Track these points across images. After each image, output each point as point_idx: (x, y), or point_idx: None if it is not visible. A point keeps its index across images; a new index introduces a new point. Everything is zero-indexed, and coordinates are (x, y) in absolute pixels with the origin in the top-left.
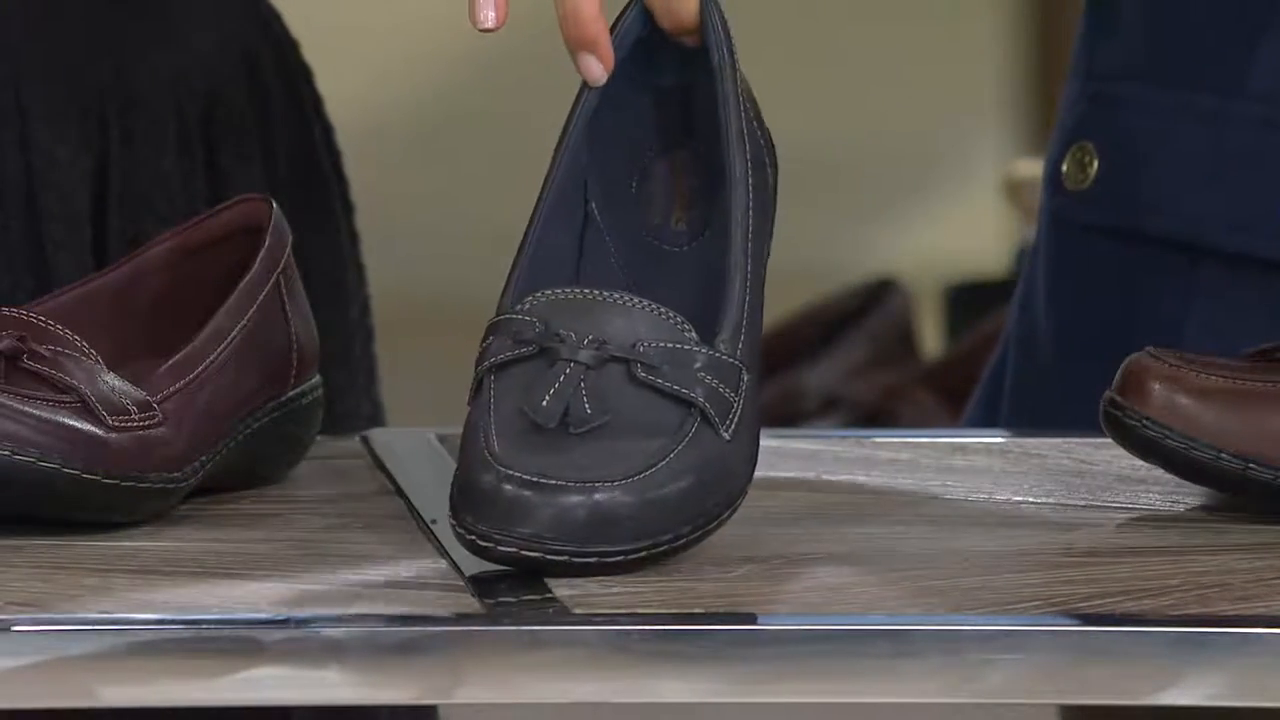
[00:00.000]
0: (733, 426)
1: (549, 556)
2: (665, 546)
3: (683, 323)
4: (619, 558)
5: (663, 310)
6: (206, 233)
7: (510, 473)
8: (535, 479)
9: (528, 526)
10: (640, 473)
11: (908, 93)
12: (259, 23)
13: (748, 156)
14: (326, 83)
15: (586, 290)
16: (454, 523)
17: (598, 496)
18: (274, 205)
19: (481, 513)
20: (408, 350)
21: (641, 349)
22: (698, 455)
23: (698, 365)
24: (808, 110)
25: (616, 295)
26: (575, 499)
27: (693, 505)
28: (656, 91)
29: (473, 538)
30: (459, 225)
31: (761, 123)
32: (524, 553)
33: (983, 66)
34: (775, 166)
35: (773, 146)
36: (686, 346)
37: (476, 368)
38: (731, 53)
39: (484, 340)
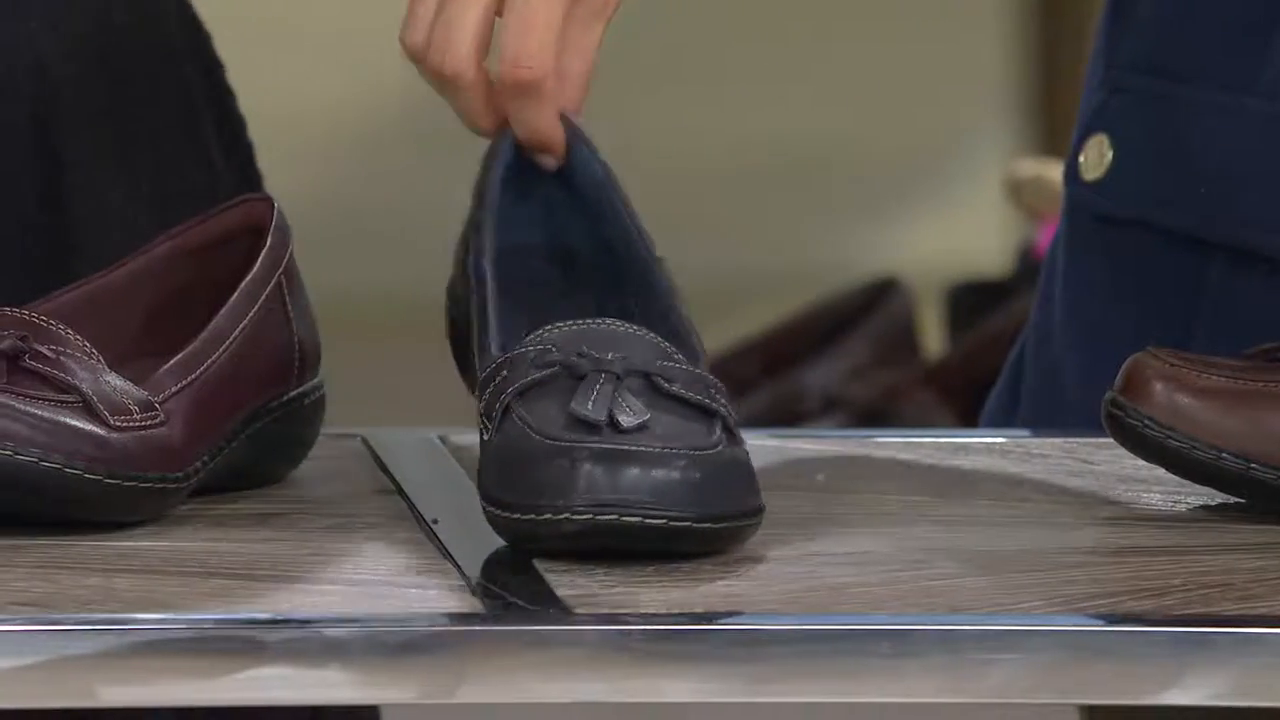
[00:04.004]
0: (737, 440)
1: (648, 520)
2: (749, 522)
3: (669, 347)
4: (732, 522)
5: (652, 335)
6: (208, 233)
7: (590, 446)
8: (625, 448)
9: (630, 491)
10: (712, 448)
11: (910, 93)
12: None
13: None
14: (330, 87)
15: (584, 320)
16: (517, 515)
17: (685, 464)
18: (275, 205)
19: (560, 490)
20: (409, 352)
21: (659, 365)
22: (725, 461)
23: (707, 382)
24: (810, 110)
25: (612, 322)
26: (675, 464)
27: (744, 499)
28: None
29: (553, 516)
30: (457, 228)
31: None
32: (624, 518)
33: (986, 67)
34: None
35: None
36: (686, 366)
37: (492, 403)
38: (605, 164)
39: (494, 378)
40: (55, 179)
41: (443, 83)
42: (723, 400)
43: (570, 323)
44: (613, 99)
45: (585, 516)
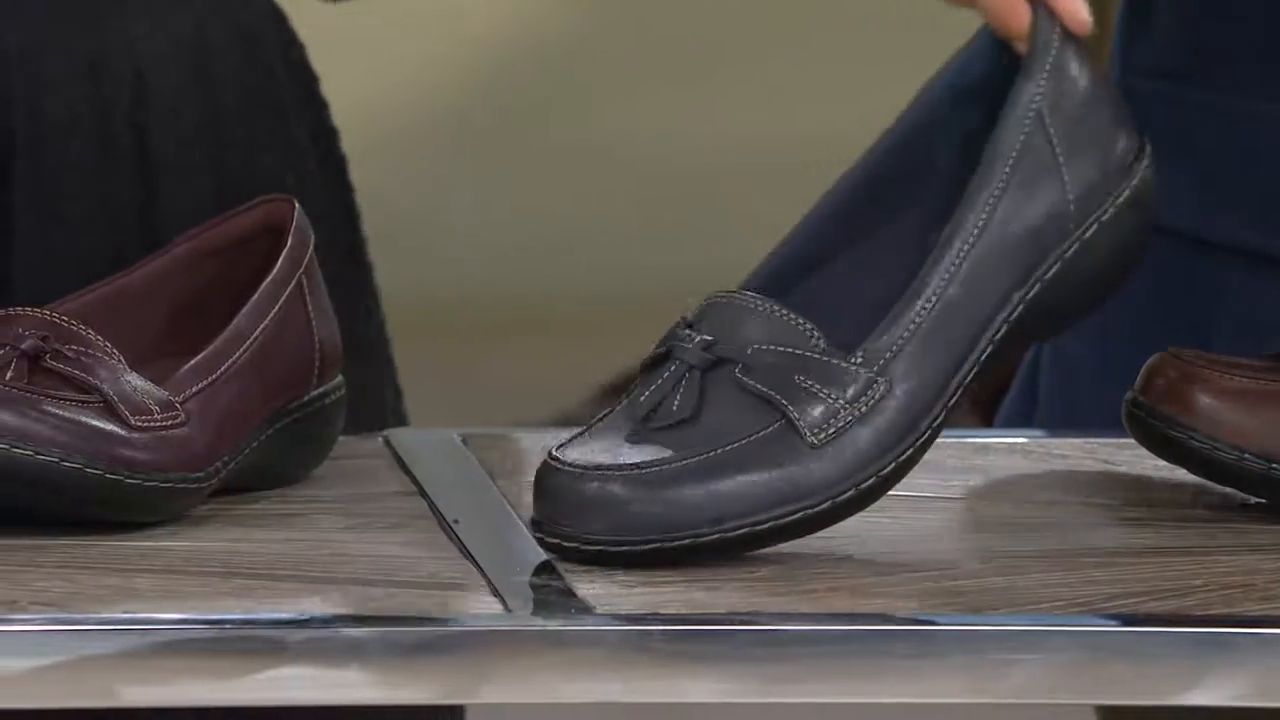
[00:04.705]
0: (826, 434)
1: (550, 539)
2: (674, 543)
3: (813, 331)
4: (620, 548)
5: (793, 316)
6: (229, 233)
7: (554, 461)
8: (565, 466)
9: (547, 511)
10: (653, 466)
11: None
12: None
13: (1004, 173)
14: (347, 86)
15: (737, 292)
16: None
17: (597, 484)
18: (296, 206)
19: (537, 503)
20: (431, 352)
21: (751, 351)
22: (749, 457)
23: (800, 371)
24: (814, 110)
25: (753, 298)
26: (586, 485)
27: (717, 508)
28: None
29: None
30: (480, 229)
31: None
32: (544, 537)
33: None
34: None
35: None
36: (800, 351)
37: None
38: (1046, 68)
39: None
40: (151, 184)
41: None
42: (815, 387)
43: (725, 293)
44: (630, 94)
45: (543, 535)
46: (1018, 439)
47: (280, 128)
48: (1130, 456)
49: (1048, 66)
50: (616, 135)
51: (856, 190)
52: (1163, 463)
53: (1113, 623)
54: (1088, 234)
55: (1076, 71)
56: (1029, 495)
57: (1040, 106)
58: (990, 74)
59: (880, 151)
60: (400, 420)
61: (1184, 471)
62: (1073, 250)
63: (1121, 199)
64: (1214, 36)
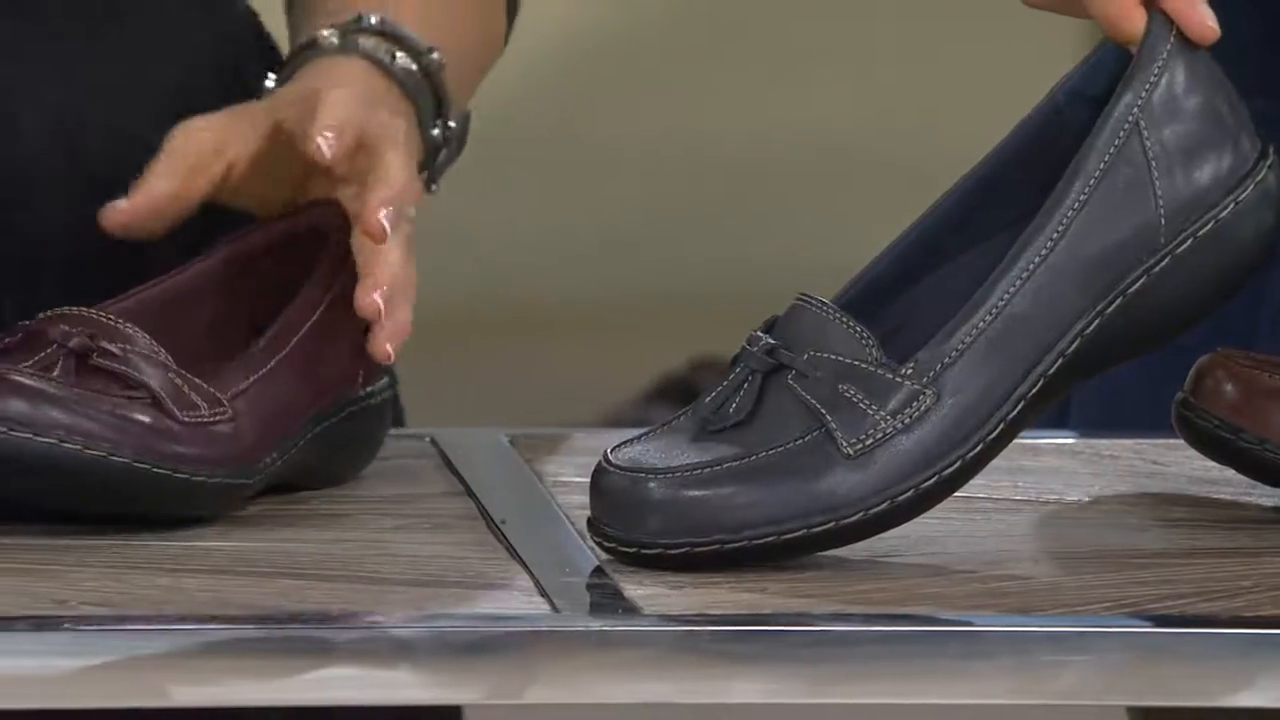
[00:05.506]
0: (864, 445)
1: (600, 540)
2: (701, 548)
3: (869, 339)
4: (653, 550)
5: (852, 324)
6: (274, 237)
7: (605, 462)
8: (611, 467)
9: (597, 511)
10: (696, 469)
11: (929, 94)
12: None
13: (1088, 186)
14: None
15: (812, 298)
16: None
17: (636, 485)
18: (340, 208)
19: (592, 503)
20: (478, 352)
21: (807, 357)
22: (784, 464)
23: (847, 380)
24: (820, 111)
25: (822, 304)
26: (628, 486)
27: (742, 514)
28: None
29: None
30: (527, 230)
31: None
32: (597, 538)
33: (1009, 71)
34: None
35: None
36: (852, 361)
37: None
38: (1148, 82)
39: None
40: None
41: None
42: (856, 396)
43: (801, 298)
44: (680, 92)
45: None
46: (1066, 439)
47: None
48: (1179, 457)
49: (1152, 76)
50: (662, 135)
51: (947, 215)
52: (1211, 463)
53: (1162, 624)
54: (1180, 249)
55: (1187, 80)
56: (1077, 496)
57: (1138, 118)
58: (1111, 84)
59: (969, 181)
60: (396, 410)
61: (1233, 472)
62: (1161, 265)
63: (1226, 212)
64: (1238, 42)
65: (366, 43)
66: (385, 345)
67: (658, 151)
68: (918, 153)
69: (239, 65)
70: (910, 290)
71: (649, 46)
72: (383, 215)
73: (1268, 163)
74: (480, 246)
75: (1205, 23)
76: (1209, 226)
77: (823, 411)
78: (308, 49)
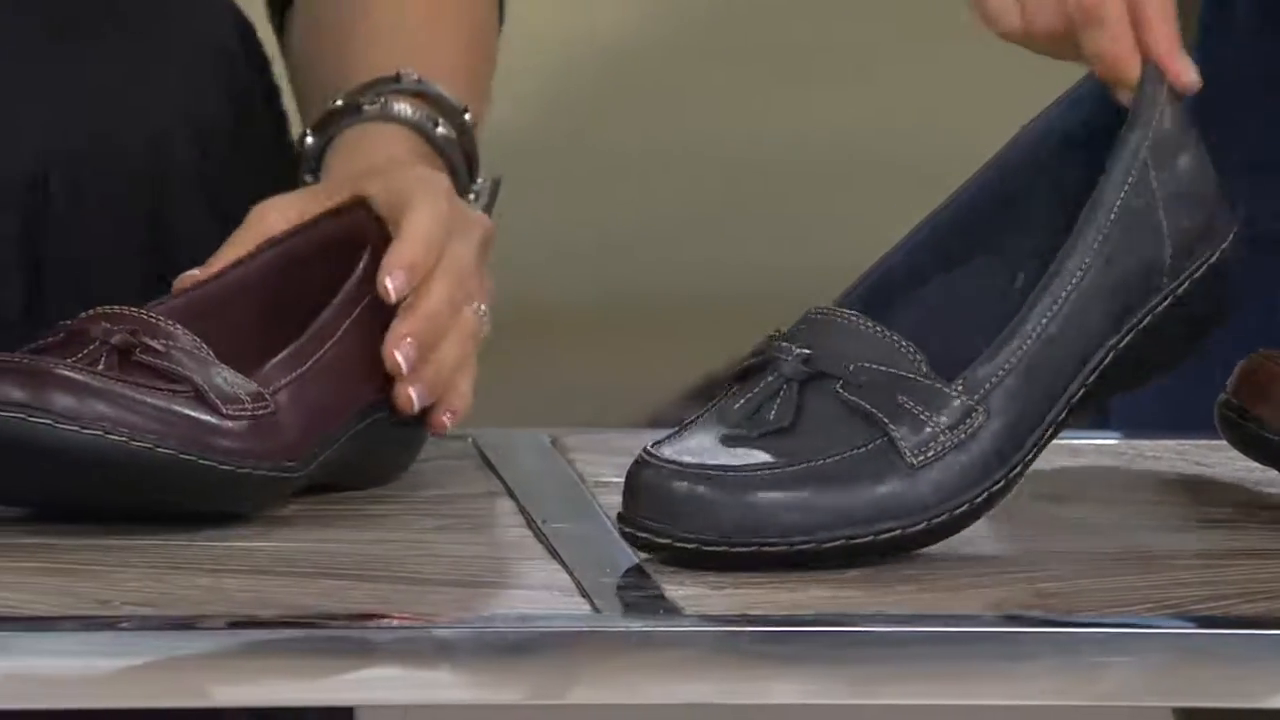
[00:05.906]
0: (926, 457)
1: (639, 534)
2: (767, 548)
3: (916, 353)
4: (713, 548)
5: (896, 338)
6: (311, 240)
7: (648, 457)
8: (659, 462)
9: (637, 507)
10: (748, 470)
11: (932, 96)
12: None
13: (1110, 218)
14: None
15: (836, 310)
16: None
17: (688, 483)
18: (377, 211)
19: (627, 499)
20: (520, 353)
21: (852, 368)
22: (850, 471)
23: (904, 391)
24: (824, 111)
25: (854, 317)
26: (678, 483)
27: (813, 517)
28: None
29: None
30: (566, 231)
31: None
32: (628, 529)
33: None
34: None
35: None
36: (903, 373)
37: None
38: (1149, 125)
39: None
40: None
41: (1085, 18)
42: (915, 408)
43: (824, 310)
44: (717, 94)
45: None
46: (1108, 440)
47: (268, 168)
48: (1222, 458)
49: (1154, 119)
50: (702, 135)
51: (954, 219)
52: (1254, 464)
53: (1204, 625)
54: (1180, 289)
55: (1179, 130)
56: (1120, 497)
57: (1146, 157)
58: (1090, 120)
59: (974, 187)
60: None
61: (1276, 473)
62: (1164, 305)
63: (1214, 258)
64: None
65: (405, 108)
66: (408, 392)
67: (700, 152)
68: (966, 153)
69: (233, 69)
70: (919, 291)
71: (698, 49)
72: (390, 279)
73: (1235, 226)
74: (512, 250)
75: (1189, 76)
76: (1203, 270)
77: (885, 421)
78: (349, 114)
